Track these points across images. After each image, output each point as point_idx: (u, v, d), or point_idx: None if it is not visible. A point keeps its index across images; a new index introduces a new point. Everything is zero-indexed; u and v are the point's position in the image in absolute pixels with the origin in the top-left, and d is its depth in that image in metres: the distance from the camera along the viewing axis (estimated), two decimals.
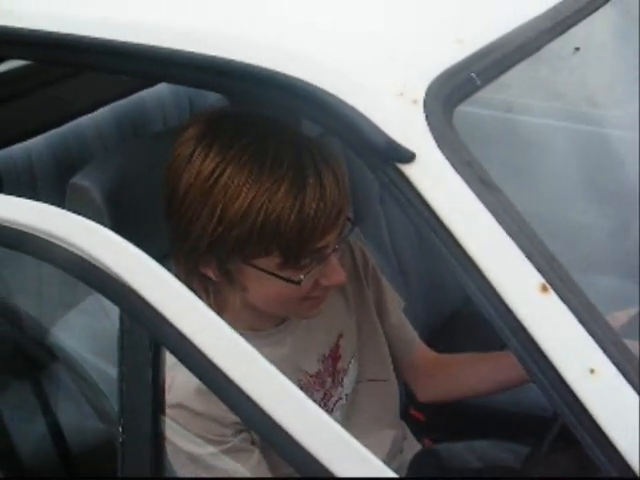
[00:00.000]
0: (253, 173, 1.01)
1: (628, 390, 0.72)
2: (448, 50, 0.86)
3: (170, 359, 1.12)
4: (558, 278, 0.74)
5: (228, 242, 1.04)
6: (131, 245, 0.79)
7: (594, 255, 1.71)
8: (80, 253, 0.78)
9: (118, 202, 1.25)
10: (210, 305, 1.13)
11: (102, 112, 1.81)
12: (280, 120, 1.09)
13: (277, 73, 0.83)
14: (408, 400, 1.61)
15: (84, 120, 1.79)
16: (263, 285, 1.10)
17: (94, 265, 0.77)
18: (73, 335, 1.33)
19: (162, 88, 1.89)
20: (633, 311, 1.25)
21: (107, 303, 1.04)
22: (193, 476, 1.15)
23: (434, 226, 0.76)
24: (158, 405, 0.82)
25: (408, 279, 1.82)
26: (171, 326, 0.74)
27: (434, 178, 0.78)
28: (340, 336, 1.30)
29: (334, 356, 1.30)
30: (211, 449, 1.14)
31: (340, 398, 1.31)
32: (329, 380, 1.29)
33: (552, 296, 0.73)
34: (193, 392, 1.11)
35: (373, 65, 0.85)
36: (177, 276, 1.12)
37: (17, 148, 1.69)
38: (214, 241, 1.05)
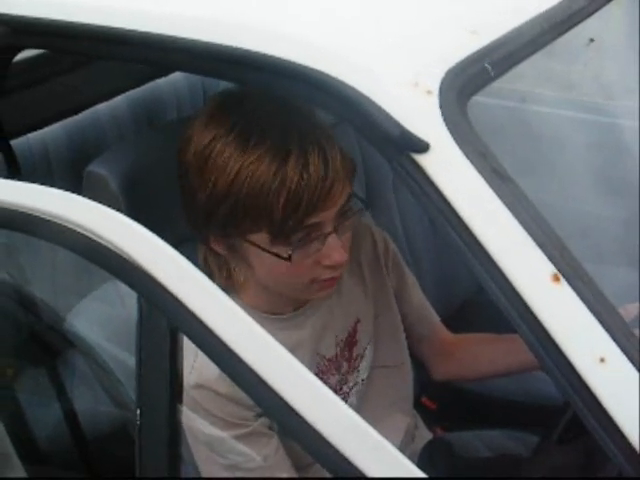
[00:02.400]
0: (239, 148, 1.05)
1: (638, 379, 0.73)
2: (462, 41, 0.87)
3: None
4: (570, 268, 0.75)
5: (219, 216, 1.08)
6: (150, 232, 0.80)
7: (608, 246, 1.71)
8: (99, 240, 0.79)
9: (134, 189, 1.27)
10: (223, 281, 1.17)
11: (118, 100, 1.83)
12: (281, 99, 1.09)
13: (292, 63, 0.84)
14: (420, 389, 1.62)
15: (100, 108, 1.80)
16: (263, 262, 1.12)
17: (113, 252, 0.78)
18: (88, 322, 1.35)
19: (177, 76, 1.90)
20: None
21: (123, 290, 1.06)
22: (210, 457, 1.17)
23: (448, 216, 0.77)
24: (175, 391, 0.83)
25: (420, 267, 1.82)
26: (189, 313, 0.75)
27: (448, 168, 0.79)
28: (357, 321, 1.32)
29: (351, 341, 1.31)
30: (231, 432, 1.16)
31: (356, 383, 1.33)
32: (345, 365, 1.31)
33: (564, 286, 0.74)
34: (215, 373, 1.11)
35: (388, 56, 0.86)
36: (199, 254, 1.16)
37: (34, 136, 1.70)
38: (208, 216, 1.09)
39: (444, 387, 1.67)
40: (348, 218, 1.14)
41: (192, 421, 1.13)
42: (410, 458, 1.37)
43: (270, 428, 1.19)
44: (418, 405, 1.60)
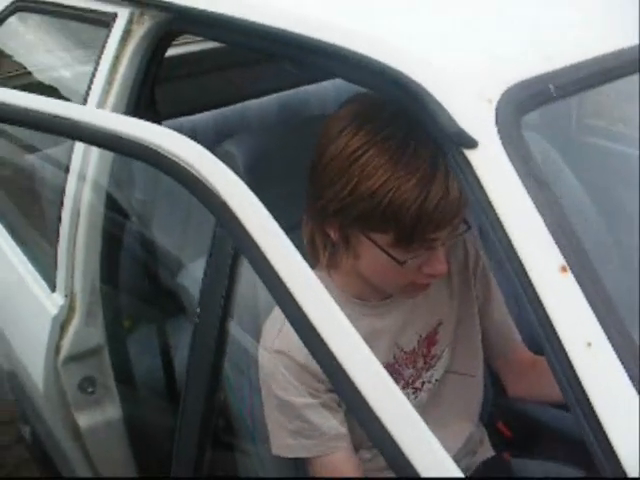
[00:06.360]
0: (392, 160, 1.21)
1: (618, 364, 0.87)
2: (535, 63, 1.04)
3: None
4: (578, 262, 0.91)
5: (353, 212, 1.25)
6: (233, 173, 1.02)
7: None
8: (194, 172, 1.03)
9: (257, 171, 1.45)
10: (324, 259, 1.35)
11: (267, 99, 2.08)
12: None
13: (382, 65, 1.05)
14: (497, 413, 1.72)
15: (249, 103, 2.05)
16: (372, 257, 1.29)
17: (203, 182, 1.02)
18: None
19: (326, 85, 2.12)
20: None
21: None
22: (278, 420, 1.34)
23: (483, 205, 0.95)
24: (229, 303, 1.05)
25: None
26: (250, 238, 0.96)
27: (491, 165, 0.96)
28: (440, 323, 1.46)
29: (431, 340, 1.46)
30: (301, 400, 1.32)
31: (429, 381, 1.46)
32: (421, 361, 1.44)
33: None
34: (297, 342, 1.29)
35: (465, 66, 1.06)
36: (304, 230, 1.36)
37: (186, 120, 1.97)
38: (342, 208, 1.26)
39: (522, 417, 1.77)
40: (457, 236, 1.31)
41: (269, 382, 1.31)
42: (466, 470, 1.49)
43: (338, 405, 1.35)
44: (493, 429, 1.71)
